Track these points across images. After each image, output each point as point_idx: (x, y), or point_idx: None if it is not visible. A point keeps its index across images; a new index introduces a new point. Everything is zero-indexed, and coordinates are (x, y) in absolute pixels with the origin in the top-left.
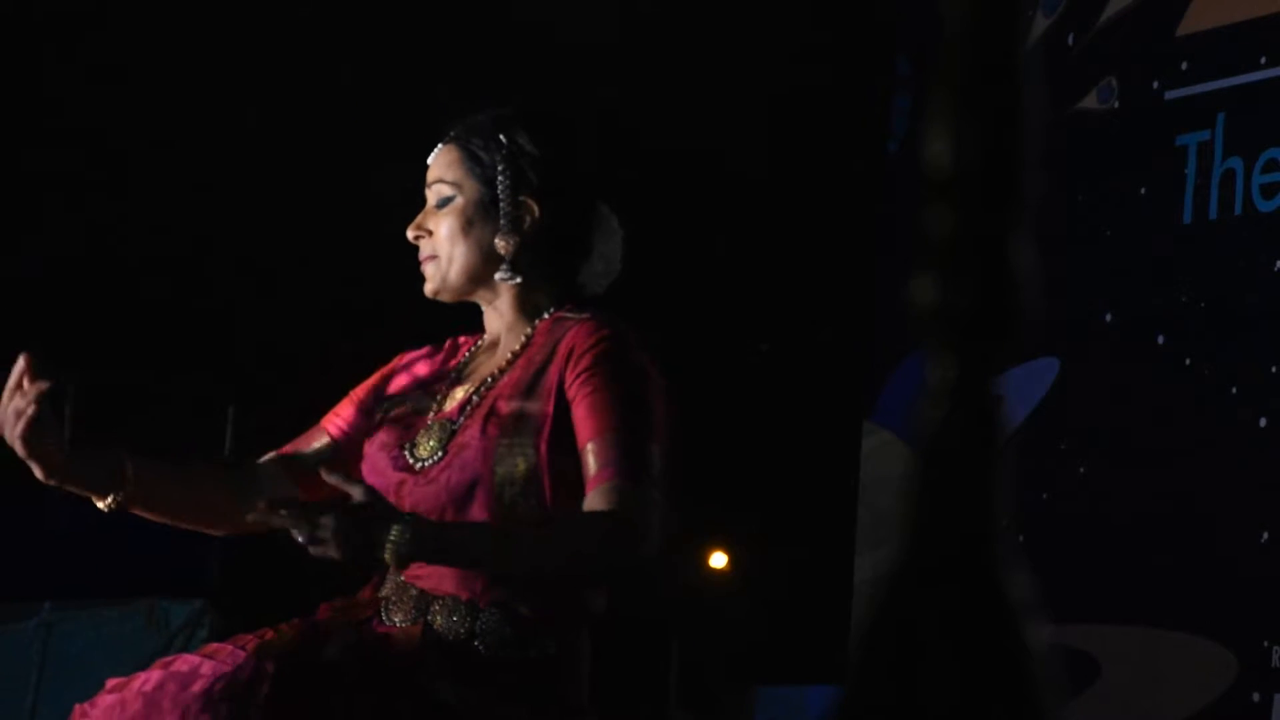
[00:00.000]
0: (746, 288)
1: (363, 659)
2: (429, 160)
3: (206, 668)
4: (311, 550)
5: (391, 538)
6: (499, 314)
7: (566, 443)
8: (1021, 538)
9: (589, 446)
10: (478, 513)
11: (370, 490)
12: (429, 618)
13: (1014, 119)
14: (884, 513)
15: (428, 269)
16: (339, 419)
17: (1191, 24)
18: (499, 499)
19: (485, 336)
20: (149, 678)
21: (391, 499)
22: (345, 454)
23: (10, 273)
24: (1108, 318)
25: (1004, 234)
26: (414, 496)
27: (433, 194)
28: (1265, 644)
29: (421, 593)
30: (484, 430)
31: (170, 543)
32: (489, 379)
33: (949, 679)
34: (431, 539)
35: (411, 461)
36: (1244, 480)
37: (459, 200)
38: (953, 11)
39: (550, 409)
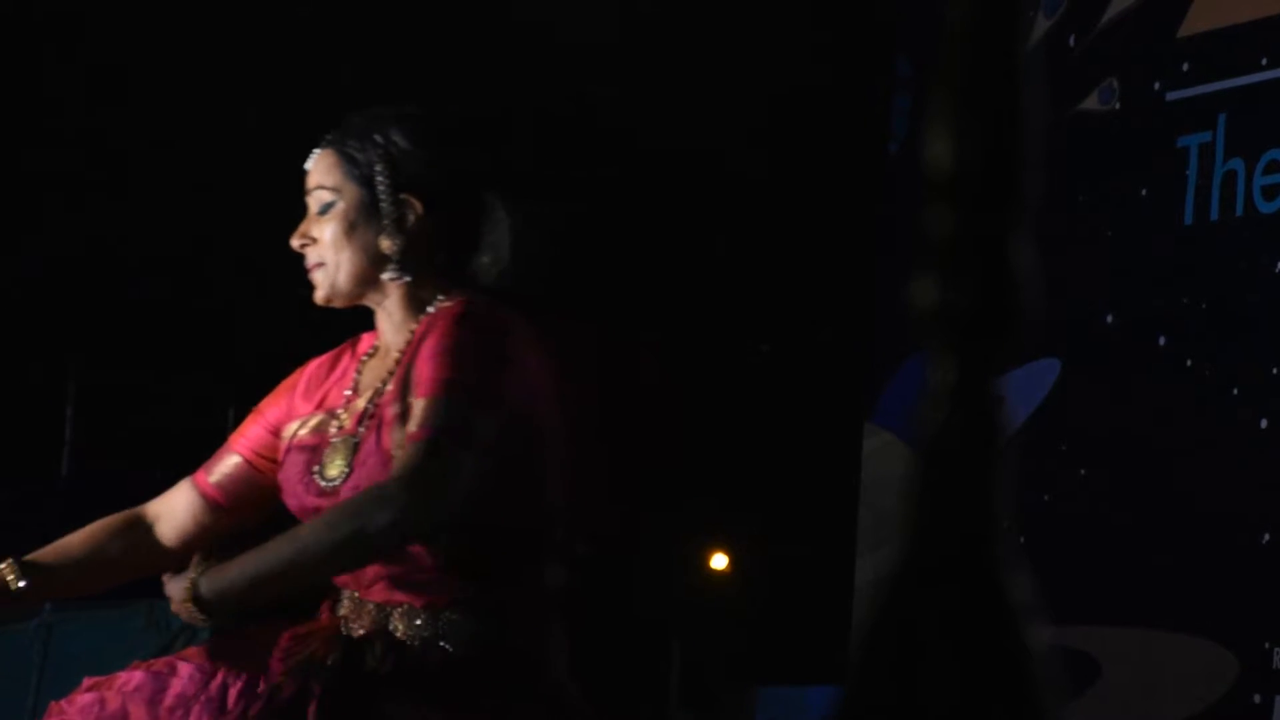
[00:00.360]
0: (747, 289)
1: (394, 667)
2: (306, 166)
3: (184, 669)
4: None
5: (194, 597)
6: (388, 315)
7: None
8: (1022, 539)
9: (413, 405)
10: None
11: (204, 550)
12: (390, 626)
13: (1015, 120)
14: (885, 514)
15: (316, 276)
16: (246, 439)
17: (1192, 25)
18: None
19: (378, 340)
20: (129, 678)
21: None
22: (258, 471)
23: (10, 273)
24: (1109, 319)
25: (1004, 235)
26: None
27: (313, 200)
28: (1266, 645)
29: (379, 605)
30: (379, 441)
31: None
32: (380, 386)
33: (950, 680)
34: (220, 582)
35: (323, 484)
36: (1245, 481)
37: (340, 205)
38: (954, 12)
39: None
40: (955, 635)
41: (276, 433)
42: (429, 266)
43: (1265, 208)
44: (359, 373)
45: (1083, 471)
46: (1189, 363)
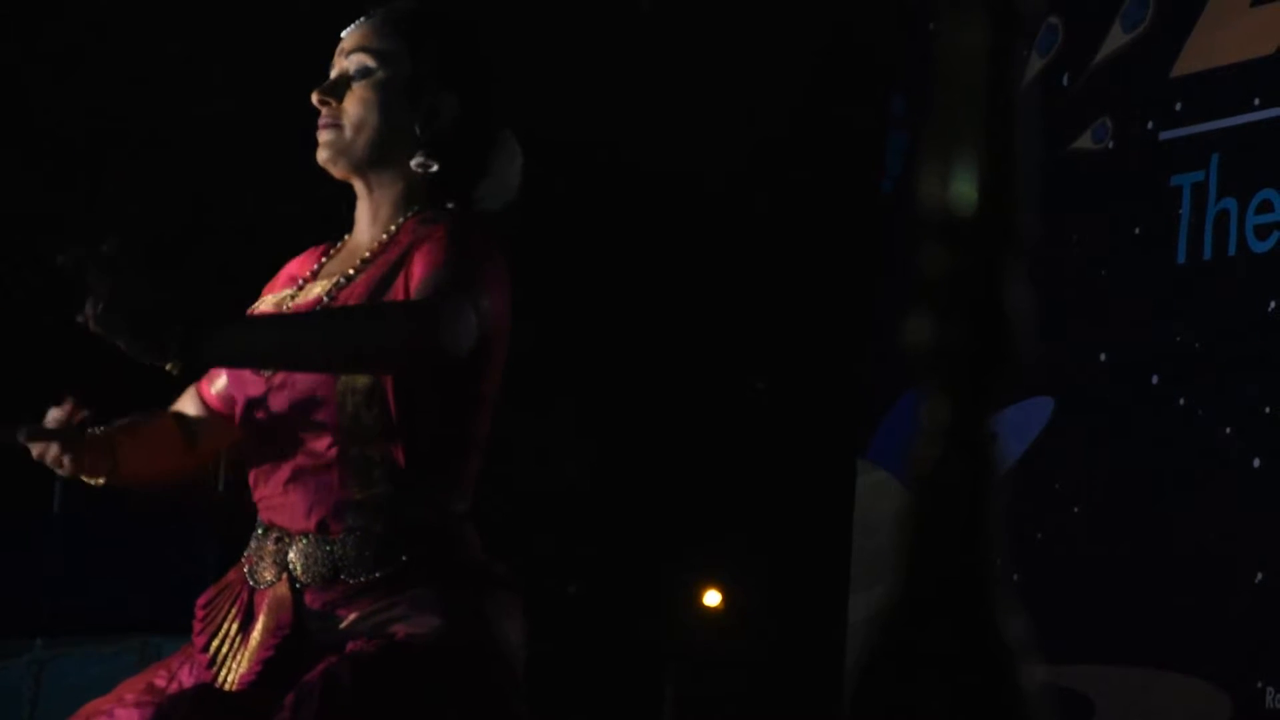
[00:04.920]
0: (741, 326)
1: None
2: (344, 34)
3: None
4: (90, 319)
5: (179, 326)
6: (373, 207)
7: None
8: (1015, 577)
9: (416, 290)
10: (324, 418)
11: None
12: (290, 569)
13: (1009, 159)
14: (878, 551)
15: (324, 135)
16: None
17: (1186, 65)
18: (341, 408)
19: (352, 232)
20: None
21: (258, 411)
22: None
23: (11, 274)
24: (1102, 357)
25: (998, 273)
26: (271, 403)
27: (351, 63)
28: (1259, 685)
29: (279, 543)
30: None
31: (162, 580)
32: (342, 278)
33: (943, 718)
34: (223, 331)
35: (262, 373)
36: (1238, 520)
37: (381, 74)
38: (948, 51)
39: None
40: (948, 673)
41: None
42: (441, 173)
43: (1258, 247)
44: (322, 263)
45: (1076, 509)
46: (1182, 401)
